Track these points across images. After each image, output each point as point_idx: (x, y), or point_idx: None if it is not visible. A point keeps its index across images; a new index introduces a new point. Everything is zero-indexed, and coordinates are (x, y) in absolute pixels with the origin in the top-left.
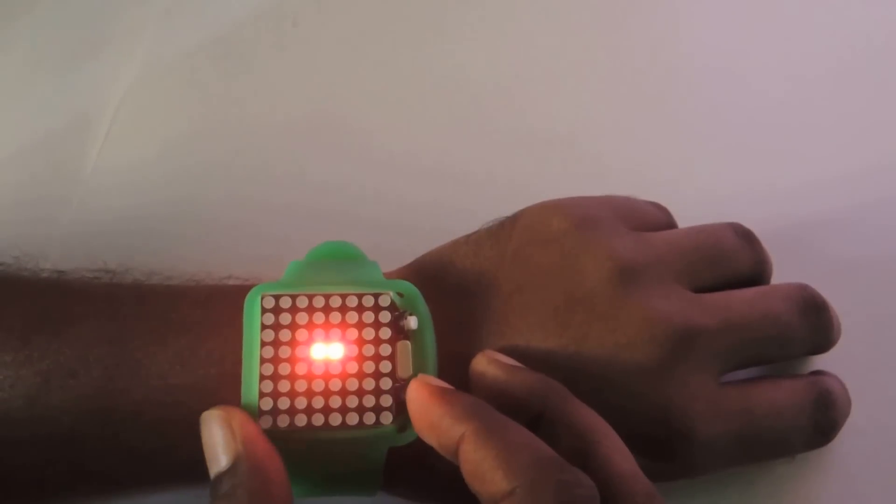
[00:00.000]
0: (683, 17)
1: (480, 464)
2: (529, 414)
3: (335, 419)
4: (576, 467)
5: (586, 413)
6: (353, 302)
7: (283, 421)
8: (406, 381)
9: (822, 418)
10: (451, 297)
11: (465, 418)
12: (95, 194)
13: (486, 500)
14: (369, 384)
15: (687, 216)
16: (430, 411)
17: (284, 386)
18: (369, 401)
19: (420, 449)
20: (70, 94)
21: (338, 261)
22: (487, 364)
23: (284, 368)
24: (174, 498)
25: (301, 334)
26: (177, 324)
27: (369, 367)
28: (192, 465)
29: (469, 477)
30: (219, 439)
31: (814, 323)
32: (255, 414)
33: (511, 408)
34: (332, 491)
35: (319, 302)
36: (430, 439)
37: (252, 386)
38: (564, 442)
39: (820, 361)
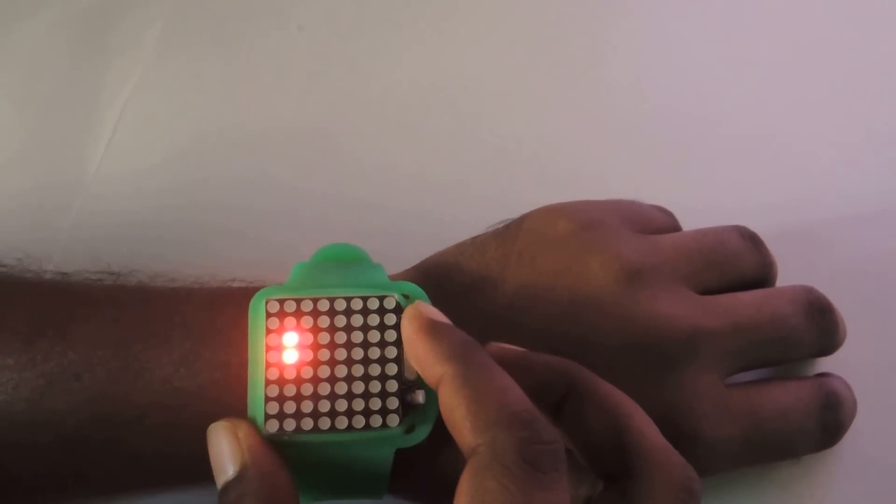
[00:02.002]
0: (679, 19)
1: (453, 412)
2: (554, 395)
3: (341, 422)
4: (541, 418)
5: (613, 389)
6: (357, 305)
7: (290, 425)
8: (412, 384)
9: (829, 420)
10: (456, 298)
11: (445, 359)
12: (97, 200)
13: (461, 448)
14: (375, 387)
15: (691, 220)
16: (416, 344)
17: (290, 390)
18: (375, 403)
19: (427, 451)
20: (73, 99)
21: (343, 263)
22: (499, 353)
23: (290, 372)
24: (178, 498)
25: (306, 338)
26: (181, 327)
27: (375, 369)
28: (196, 468)
29: (445, 420)
30: (225, 449)
31: (819, 325)
32: (262, 418)
33: (533, 390)
34: (339, 494)
35: (324, 305)
36: (418, 370)
37: (258, 390)
38: (594, 418)
39: (825, 364)
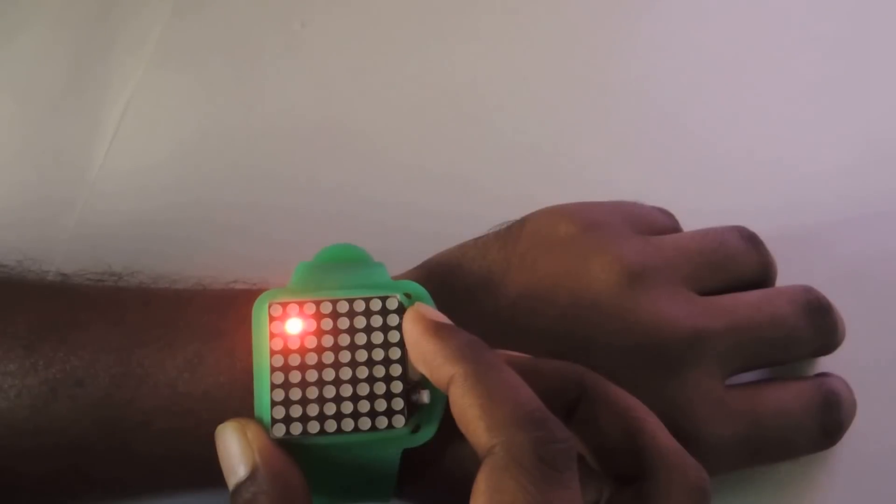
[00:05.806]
0: (682, 23)
1: (466, 411)
2: (564, 400)
3: (347, 424)
4: (554, 418)
5: (623, 392)
6: (360, 306)
7: (296, 428)
8: (416, 383)
9: (828, 420)
10: (458, 300)
11: (455, 360)
12: (101, 197)
13: (475, 447)
14: (380, 388)
15: (691, 221)
16: (422, 346)
17: (296, 394)
18: (381, 404)
19: (433, 452)
20: (77, 96)
21: (344, 264)
22: (507, 360)
23: (295, 376)
24: (183, 501)
25: (310, 341)
26: (184, 330)
27: (379, 370)
28: (203, 472)
29: (457, 419)
30: (235, 450)
31: (819, 325)
32: (268, 423)
33: (544, 396)
34: (346, 496)
35: (327, 308)
36: (424, 371)
37: (264, 395)
38: (608, 421)
39: (825, 363)
